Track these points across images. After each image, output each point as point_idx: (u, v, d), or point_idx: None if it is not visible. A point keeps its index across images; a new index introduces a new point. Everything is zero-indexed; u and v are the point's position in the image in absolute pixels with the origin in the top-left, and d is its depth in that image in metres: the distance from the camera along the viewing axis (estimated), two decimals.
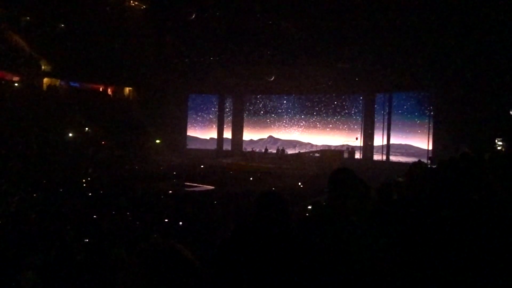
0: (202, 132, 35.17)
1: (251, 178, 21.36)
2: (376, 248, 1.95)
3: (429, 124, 25.95)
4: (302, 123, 32.89)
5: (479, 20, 17.48)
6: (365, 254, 1.92)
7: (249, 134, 34.48)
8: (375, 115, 29.17)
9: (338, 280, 1.91)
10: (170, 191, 16.95)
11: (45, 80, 28.37)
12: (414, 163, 3.07)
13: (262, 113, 34.11)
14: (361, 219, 2.17)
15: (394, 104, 28.46)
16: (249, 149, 31.88)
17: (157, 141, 29.40)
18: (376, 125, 28.99)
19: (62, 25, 25.68)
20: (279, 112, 33.72)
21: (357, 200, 2.21)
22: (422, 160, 13.52)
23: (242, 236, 2.11)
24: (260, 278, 1.91)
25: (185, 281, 1.13)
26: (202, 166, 25.50)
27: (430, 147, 25.31)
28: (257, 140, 34.27)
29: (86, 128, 26.79)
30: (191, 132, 35.00)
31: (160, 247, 1.17)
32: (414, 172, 2.83)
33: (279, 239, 2.05)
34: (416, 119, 27.42)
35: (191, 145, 33.62)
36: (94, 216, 11.23)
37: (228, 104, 34.77)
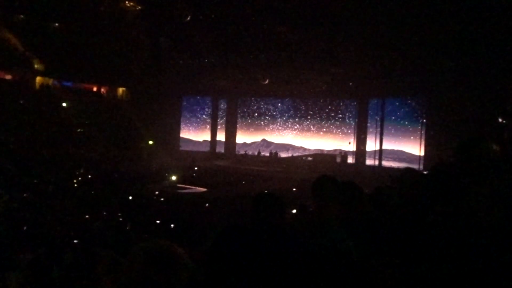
0: (195, 134, 35.11)
1: (243, 181, 21.36)
2: (363, 253, 1.95)
3: (421, 130, 26.13)
4: (295, 126, 32.95)
5: (471, 28, 17.64)
6: (351, 259, 1.93)
7: (243, 137, 34.47)
8: (368, 120, 29.31)
9: (328, 283, 1.91)
10: (162, 193, 16.87)
11: (38, 79, 28.16)
12: (405, 169, 3.09)
13: (256, 116, 34.12)
14: (346, 224, 2.18)
15: (387, 109, 28.63)
16: (242, 152, 31.86)
17: (150, 142, 29.28)
18: (369, 130, 29.13)
19: (56, 24, 25.52)
20: (272, 115, 33.77)
21: (340, 206, 2.23)
22: (412, 166, 13.60)
23: (237, 236, 2.11)
24: (254, 279, 1.91)
25: (181, 281, 1.12)
26: (196, 169, 25.44)
27: (422, 153, 25.47)
28: (250, 143, 34.26)
29: (79, 129, 26.62)
30: (185, 134, 34.92)
31: (157, 248, 1.16)
32: (405, 178, 2.85)
33: (275, 239, 2.06)
34: (409, 125, 27.59)
35: (184, 147, 33.53)
36: (85, 217, 11.16)
37: (221, 107, 34.75)
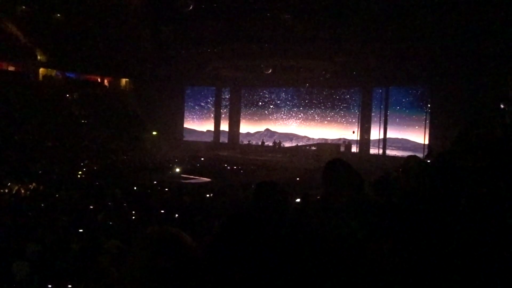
0: (199, 124, 35.12)
1: (247, 171, 21.38)
2: (368, 241, 1.95)
3: (426, 118, 25.99)
4: (299, 116, 32.85)
5: (476, 16, 17.47)
6: (356, 247, 1.93)
7: (246, 127, 34.44)
8: (373, 109, 29.17)
9: (331, 272, 1.91)
10: (166, 183, 16.93)
11: (41, 70, 28.16)
12: (408, 157, 3.08)
13: (259, 106, 34.04)
14: (354, 212, 2.17)
15: (392, 98, 28.47)
16: (245, 142, 31.86)
17: (154, 133, 29.33)
18: (374, 119, 29.01)
19: (59, 15, 25.45)
20: (276, 104, 33.67)
21: (352, 192, 2.20)
22: (416, 154, 13.53)
23: (239, 226, 2.11)
24: (256, 268, 1.91)
25: (189, 267, 1.12)
26: (200, 159, 25.49)
27: (427, 142, 25.37)
28: (253, 133, 34.23)
29: (82, 120, 26.67)
30: (188, 124, 34.92)
31: (164, 234, 1.16)
32: (409, 166, 2.84)
33: (277, 228, 2.06)
34: (413, 114, 27.45)
35: (187, 137, 33.56)
36: (90, 207, 11.23)
37: (225, 96, 34.67)
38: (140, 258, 1.12)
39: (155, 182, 17.30)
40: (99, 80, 31.55)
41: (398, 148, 27.40)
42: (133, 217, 10.35)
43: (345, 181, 2.18)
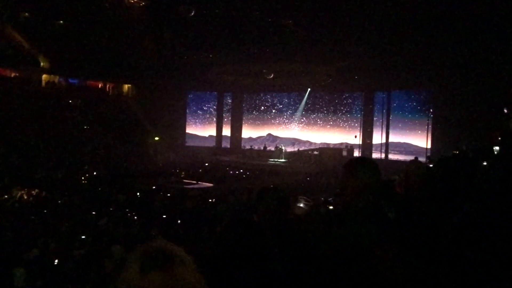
0: (201, 129, 35.16)
1: (249, 176, 21.39)
2: (373, 247, 1.95)
3: (429, 123, 25.96)
4: (301, 120, 32.84)
5: (478, 19, 17.48)
6: (361, 252, 1.93)
7: (248, 132, 34.44)
8: (375, 113, 29.14)
9: (336, 275, 1.91)
10: (169, 188, 16.93)
11: (44, 76, 28.29)
12: (410, 161, 3.07)
13: (261, 111, 34.06)
14: (361, 218, 2.16)
15: (395, 103, 28.46)
16: (248, 147, 31.88)
17: (156, 138, 29.39)
18: (376, 123, 28.97)
19: (61, 22, 25.58)
20: (278, 109, 33.67)
21: (371, 196, 2.15)
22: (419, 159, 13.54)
23: (241, 231, 2.11)
24: (258, 273, 1.92)
25: (179, 278, 1.12)
26: (202, 164, 25.51)
27: (429, 146, 25.34)
28: (256, 138, 34.23)
29: (85, 126, 26.74)
30: (190, 130, 34.96)
31: (152, 250, 1.16)
32: (410, 170, 2.84)
33: (279, 233, 2.06)
34: (416, 118, 27.42)
35: (190, 143, 33.60)
36: (92, 213, 11.25)
37: (227, 101, 34.72)
38: (129, 275, 1.12)
39: (157, 187, 17.30)
40: (101, 86, 31.66)
41: (400, 152, 27.35)
42: (136, 223, 10.35)
43: (366, 180, 2.11)
